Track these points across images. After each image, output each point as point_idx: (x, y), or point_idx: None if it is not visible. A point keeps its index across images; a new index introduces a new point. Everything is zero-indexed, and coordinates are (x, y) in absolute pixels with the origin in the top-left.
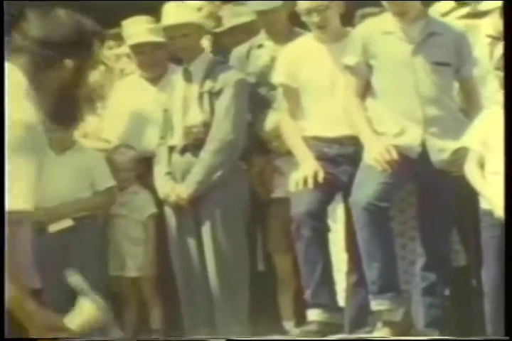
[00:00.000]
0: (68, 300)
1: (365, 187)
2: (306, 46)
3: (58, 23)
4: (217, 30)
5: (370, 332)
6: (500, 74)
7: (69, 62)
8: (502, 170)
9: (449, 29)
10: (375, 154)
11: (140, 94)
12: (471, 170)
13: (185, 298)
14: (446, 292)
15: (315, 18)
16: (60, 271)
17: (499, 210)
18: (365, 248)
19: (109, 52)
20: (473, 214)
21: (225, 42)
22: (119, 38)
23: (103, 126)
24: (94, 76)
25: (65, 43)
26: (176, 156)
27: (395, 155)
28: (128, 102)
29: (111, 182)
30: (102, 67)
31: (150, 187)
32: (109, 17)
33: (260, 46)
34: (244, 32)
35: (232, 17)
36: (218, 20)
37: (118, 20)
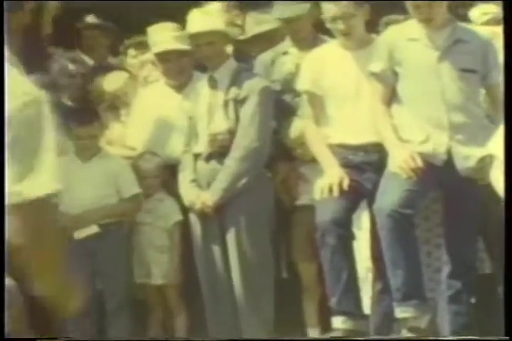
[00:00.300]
0: (93, 306)
1: (390, 195)
2: (331, 53)
3: None
4: (241, 37)
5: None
6: None
7: (28, 4)
8: None
9: (475, 36)
10: (400, 161)
11: (165, 101)
12: (496, 178)
13: (210, 305)
14: (472, 300)
15: (340, 26)
16: (86, 277)
17: None
18: (389, 255)
19: (132, 60)
20: (499, 222)
21: (248, 49)
22: (141, 46)
23: (127, 134)
24: (118, 83)
25: None
26: (201, 163)
27: (419, 163)
28: (152, 109)
29: (136, 189)
30: (125, 75)
31: (175, 194)
32: (133, 24)
33: (285, 53)
34: (268, 39)
35: (255, 25)
36: (242, 28)
37: (142, 28)
